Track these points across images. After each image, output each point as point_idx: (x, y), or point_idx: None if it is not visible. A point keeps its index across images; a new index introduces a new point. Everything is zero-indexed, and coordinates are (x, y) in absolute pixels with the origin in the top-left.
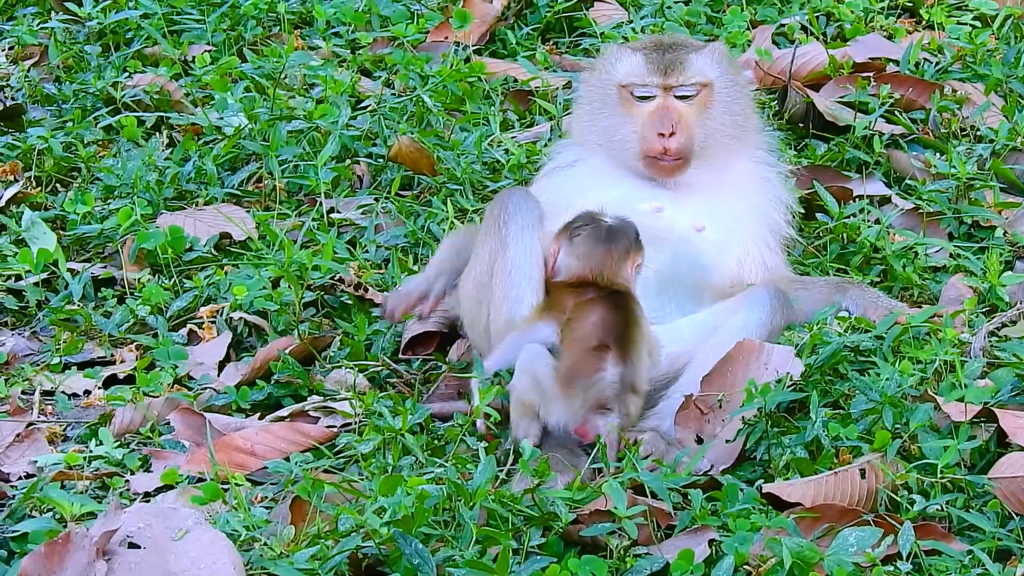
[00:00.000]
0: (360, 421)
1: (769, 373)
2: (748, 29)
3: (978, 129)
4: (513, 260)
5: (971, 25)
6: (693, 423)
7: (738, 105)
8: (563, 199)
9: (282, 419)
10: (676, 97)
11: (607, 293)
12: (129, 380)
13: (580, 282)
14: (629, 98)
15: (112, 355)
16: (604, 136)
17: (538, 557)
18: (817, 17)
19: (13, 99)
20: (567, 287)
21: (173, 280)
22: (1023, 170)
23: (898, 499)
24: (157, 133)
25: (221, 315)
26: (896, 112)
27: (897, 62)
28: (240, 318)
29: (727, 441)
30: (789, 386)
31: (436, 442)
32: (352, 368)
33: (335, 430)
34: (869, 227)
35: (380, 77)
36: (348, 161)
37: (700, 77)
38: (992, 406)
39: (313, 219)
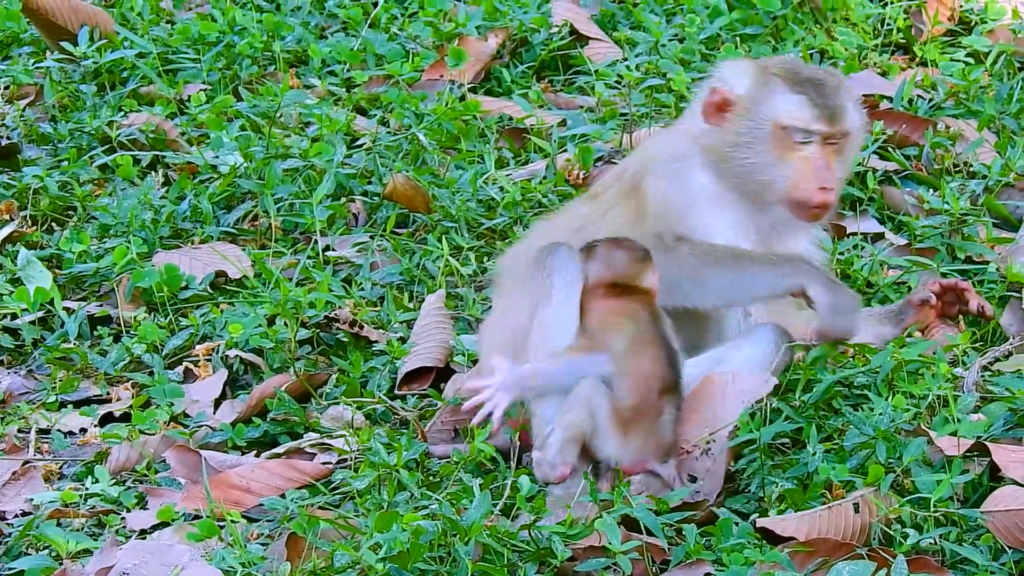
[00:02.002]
0: (356, 457)
1: (743, 397)
2: None
3: (971, 165)
4: (555, 313)
5: (964, 62)
6: (682, 465)
7: (853, 153)
8: (678, 199)
9: (278, 456)
10: (827, 143)
11: (656, 332)
12: (125, 418)
13: (610, 285)
14: (784, 138)
15: (108, 393)
16: (745, 169)
17: None
18: (811, 54)
19: (9, 138)
20: (600, 294)
21: (169, 318)
22: (1016, 205)
23: (891, 533)
24: (153, 172)
25: (217, 353)
26: (889, 148)
27: (890, 99)
28: (236, 356)
29: (725, 486)
30: (775, 418)
31: (431, 478)
32: (348, 405)
33: (331, 467)
34: (862, 260)
35: (375, 115)
36: (343, 199)
37: (850, 126)
38: (985, 440)
39: (308, 257)
